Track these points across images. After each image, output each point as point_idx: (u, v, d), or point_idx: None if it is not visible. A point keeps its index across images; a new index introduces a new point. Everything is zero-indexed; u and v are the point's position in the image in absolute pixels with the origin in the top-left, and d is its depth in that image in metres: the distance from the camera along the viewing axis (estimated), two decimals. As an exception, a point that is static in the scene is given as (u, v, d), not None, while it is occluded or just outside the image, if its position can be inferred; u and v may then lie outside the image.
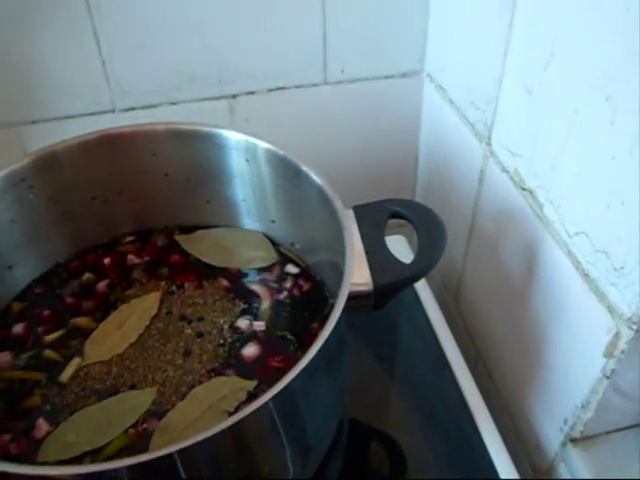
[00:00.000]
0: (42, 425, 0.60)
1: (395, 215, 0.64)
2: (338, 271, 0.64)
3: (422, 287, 0.88)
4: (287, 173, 0.67)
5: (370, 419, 0.74)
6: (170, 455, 0.46)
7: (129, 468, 0.46)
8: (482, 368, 0.87)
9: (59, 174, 0.71)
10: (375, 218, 0.63)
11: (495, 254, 0.77)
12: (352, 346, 0.75)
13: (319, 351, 0.50)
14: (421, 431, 0.73)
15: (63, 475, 0.46)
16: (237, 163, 0.72)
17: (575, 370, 0.64)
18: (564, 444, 0.67)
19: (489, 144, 0.73)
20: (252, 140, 0.69)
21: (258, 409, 0.47)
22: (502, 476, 0.68)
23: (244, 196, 0.75)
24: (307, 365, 0.49)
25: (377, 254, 0.60)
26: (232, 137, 0.70)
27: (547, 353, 0.68)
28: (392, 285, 0.58)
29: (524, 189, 0.67)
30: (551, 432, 0.70)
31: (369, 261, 0.59)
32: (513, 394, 0.79)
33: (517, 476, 0.68)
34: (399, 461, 0.71)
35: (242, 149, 0.70)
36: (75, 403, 0.62)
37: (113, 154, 0.73)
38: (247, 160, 0.71)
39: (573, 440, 0.66)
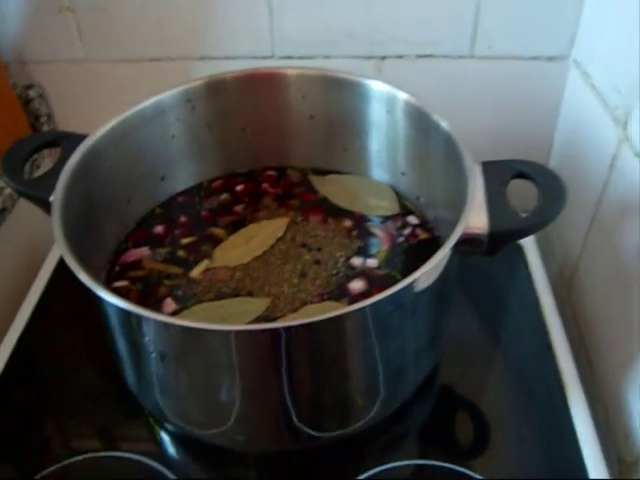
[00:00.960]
0: (170, 303, 0.68)
1: (520, 175, 0.66)
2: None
3: (537, 269, 0.88)
4: (421, 124, 0.71)
5: (463, 389, 0.76)
6: (277, 329, 0.53)
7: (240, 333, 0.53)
8: (584, 357, 0.87)
9: (219, 101, 0.79)
10: (501, 175, 0.65)
11: (616, 245, 0.77)
12: (459, 314, 0.77)
13: (425, 273, 0.54)
14: (512, 411, 0.73)
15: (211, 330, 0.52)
16: (377, 114, 0.77)
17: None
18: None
19: (625, 128, 0.73)
20: (393, 91, 0.73)
21: (358, 310, 0.52)
22: (592, 475, 0.66)
23: (379, 147, 0.80)
24: (412, 282, 0.53)
25: (496, 204, 0.62)
26: (376, 87, 0.75)
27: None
28: (507, 233, 0.60)
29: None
30: (643, 422, 0.70)
31: (489, 210, 0.61)
32: (611, 384, 0.79)
33: (607, 475, 0.66)
34: (483, 436, 0.71)
35: (384, 100, 0.75)
36: (200, 295, 0.70)
37: (268, 90, 0.80)
38: (387, 111, 0.75)
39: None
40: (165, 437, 0.71)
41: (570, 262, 0.92)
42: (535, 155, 0.97)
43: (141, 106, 0.74)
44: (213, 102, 0.79)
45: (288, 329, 0.53)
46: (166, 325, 0.53)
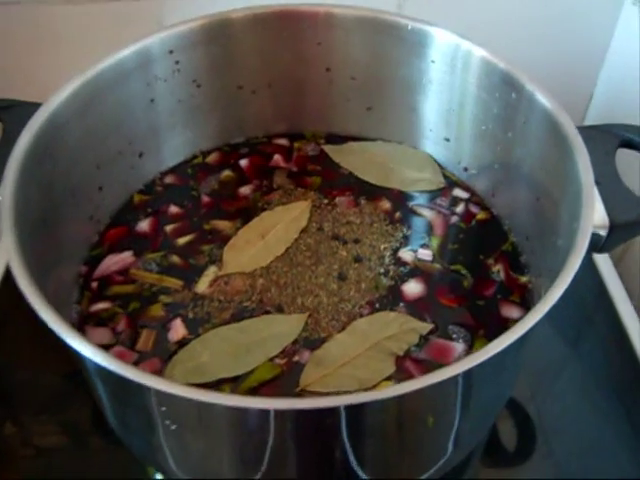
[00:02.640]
0: (178, 328, 0.52)
1: (627, 144, 0.51)
2: (539, 203, 0.53)
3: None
4: (498, 87, 0.56)
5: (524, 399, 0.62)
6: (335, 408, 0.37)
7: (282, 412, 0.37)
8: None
9: (210, 52, 0.62)
10: (603, 144, 0.51)
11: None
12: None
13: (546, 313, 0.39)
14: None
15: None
16: (423, 66, 0.61)
17: None
18: None
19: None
20: (463, 44, 0.57)
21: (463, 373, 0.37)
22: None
23: (416, 106, 0.64)
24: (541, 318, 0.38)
25: (610, 187, 0.48)
26: (431, 34, 0.59)
27: None
28: (631, 225, 0.46)
29: None
30: None
31: (602, 195, 0.47)
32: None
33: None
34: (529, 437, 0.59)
35: (440, 51, 0.59)
36: (213, 315, 0.53)
37: (273, 36, 0.63)
38: (446, 65, 0.59)
39: None
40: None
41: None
42: (575, 99, 0.85)
43: (109, 62, 0.57)
44: (204, 53, 0.61)
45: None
46: (181, 399, 0.36)
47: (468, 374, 0.37)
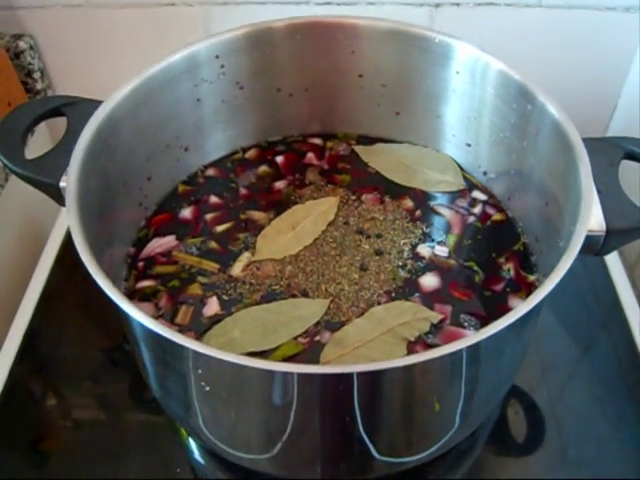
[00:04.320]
0: (213, 304, 0.58)
1: (631, 155, 0.55)
2: (547, 208, 0.58)
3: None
4: (515, 97, 0.60)
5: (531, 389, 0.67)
6: (349, 375, 0.42)
7: (303, 376, 0.42)
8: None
9: (253, 57, 0.67)
10: (608, 156, 0.55)
11: None
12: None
13: (539, 303, 0.44)
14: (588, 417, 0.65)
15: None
16: (448, 76, 0.65)
17: None
18: None
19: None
20: (483, 57, 0.61)
21: (466, 348, 0.42)
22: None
23: (441, 112, 0.68)
24: (523, 315, 0.43)
25: (610, 195, 0.52)
26: (455, 47, 0.63)
27: None
28: (627, 231, 0.51)
29: None
30: None
31: (602, 202, 0.51)
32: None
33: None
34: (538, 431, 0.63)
35: (463, 62, 0.63)
36: (245, 296, 0.59)
37: (310, 44, 0.67)
38: (468, 76, 0.63)
39: None
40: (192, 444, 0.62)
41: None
42: (598, 111, 0.88)
43: (161, 65, 0.62)
44: (247, 58, 0.66)
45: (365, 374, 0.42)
46: (217, 360, 0.42)
47: (471, 350, 0.42)
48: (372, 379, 0.44)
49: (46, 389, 0.67)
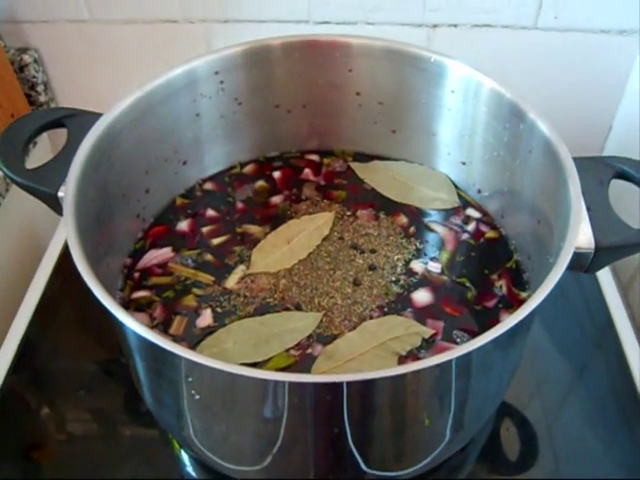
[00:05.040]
0: (206, 317, 0.58)
1: (621, 175, 0.56)
2: (539, 226, 0.58)
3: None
4: (507, 116, 0.61)
5: (524, 407, 0.67)
6: (339, 384, 0.42)
7: (294, 385, 0.43)
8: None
9: (252, 74, 0.68)
10: (598, 174, 0.56)
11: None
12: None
13: (527, 316, 0.44)
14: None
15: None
16: (443, 95, 0.66)
17: None
18: None
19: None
20: (476, 75, 0.62)
21: (455, 359, 0.42)
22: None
23: (436, 131, 0.69)
24: (510, 328, 0.43)
25: (600, 213, 0.53)
26: (450, 66, 0.64)
27: None
28: (615, 249, 0.51)
29: None
30: None
31: (591, 220, 0.52)
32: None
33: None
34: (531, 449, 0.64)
35: (457, 81, 0.64)
36: (239, 308, 0.59)
37: (308, 62, 0.68)
38: (462, 94, 0.64)
39: None
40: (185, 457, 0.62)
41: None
42: (594, 131, 0.89)
43: (161, 80, 0.63)
44: (245, 74, 0.67)
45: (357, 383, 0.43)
46: (209, 369, 0.42)
47: (461, 361, 0.43)
48: (362, 389, 0.44)
49: (41, 399, 0.68)
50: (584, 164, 0.55)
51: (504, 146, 0.63)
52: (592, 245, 0.50)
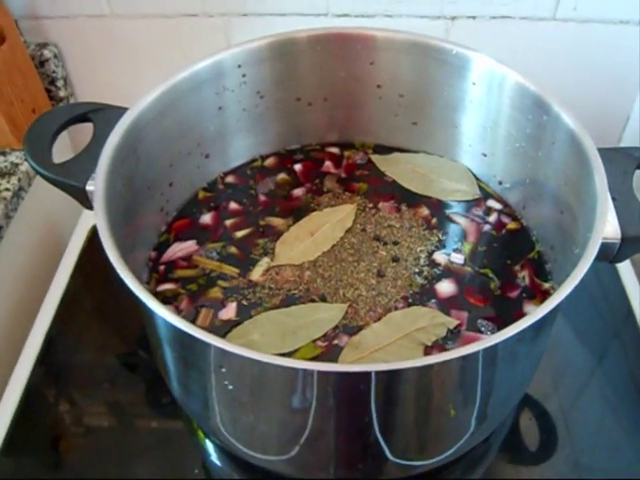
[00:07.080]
0: (231, 309, 0.59)
1: (645, 165, 0.56)
2: (563, 216, 0.59)
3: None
4: (531, 108, 0.61)
5: (544, 398, 0.67)
6: (368, 374, 0.43)
7: (323, 374, 0.43)
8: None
9: (274, 67, 0.68)
10: (622, 165, 0.56)
11: None
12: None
13: (555, 307, 0.45)
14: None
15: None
16: (465, 87, 0.66)
17: None
18: None
19: None
20: (500, 69, 0.62)
21: (483, 351, 0.43)
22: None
23: (458, 123, 0.69)
24: (540, 319, 0.44)
25: (625, 203, 0.53)
26: (473, 59, 0.64)
27: None
28: (643, 239, 0.51)
29: None
30: None
31: (616, 210, 0.52)
32: None
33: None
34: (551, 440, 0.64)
35: (480, 74, 0.64)
36: (264, 300, 0.60)
37: (330, 55, 0.69)
38: (485, 87, 0.65)
39: None
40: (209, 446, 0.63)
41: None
42: (612, 121, 0.89)
43: (185, 73, 0.63)
44: (268, 67, 0.68)
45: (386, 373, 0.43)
46: (241, 358, 0.43)
47: (488, 352, 0.43)
48: (390, 379, 0.45)
49: (65, 392, 0.68)
50: (608, 155, 0.55)
51: (526, 138, 0.63)
52: (618, 235, 0.51)
